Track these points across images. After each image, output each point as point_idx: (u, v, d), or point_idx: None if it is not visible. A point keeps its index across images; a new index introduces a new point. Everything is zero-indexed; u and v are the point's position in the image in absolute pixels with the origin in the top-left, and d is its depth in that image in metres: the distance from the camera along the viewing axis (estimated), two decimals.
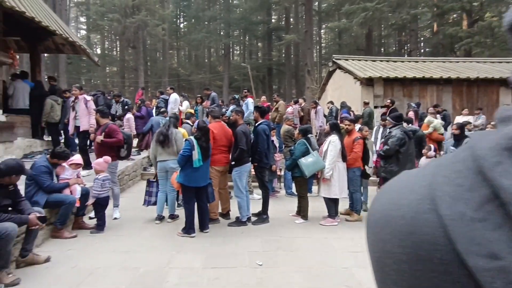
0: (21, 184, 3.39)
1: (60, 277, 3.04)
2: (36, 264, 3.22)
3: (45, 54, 15.74)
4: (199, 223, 4.36)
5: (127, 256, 3.52)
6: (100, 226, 4.25)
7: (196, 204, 4.31)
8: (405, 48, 29.75)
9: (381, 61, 13.21)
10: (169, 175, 4.69)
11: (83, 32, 37.53)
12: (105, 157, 4.45)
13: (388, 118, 5.16)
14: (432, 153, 5.51)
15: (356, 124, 5.61)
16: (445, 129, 7.57)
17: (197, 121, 4.82)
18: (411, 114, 7.65)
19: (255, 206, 5.09)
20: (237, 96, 9.54)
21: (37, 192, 3.73)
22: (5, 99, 7.01)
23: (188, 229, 4.18)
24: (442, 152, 6.74)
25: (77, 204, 4.08)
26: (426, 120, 7.13)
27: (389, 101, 8.90)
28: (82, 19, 38.72)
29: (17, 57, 7.66)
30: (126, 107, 8.73)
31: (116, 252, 3.62)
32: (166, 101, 9.41)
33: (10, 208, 3.15)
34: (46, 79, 8.51)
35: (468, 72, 11.11)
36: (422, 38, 29.41)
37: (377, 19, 19.36)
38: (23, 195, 3.40)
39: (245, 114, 8.15)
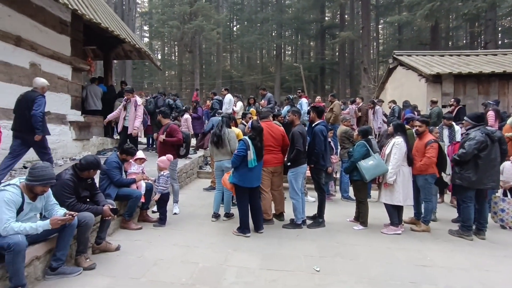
0: (96, 178, 3.73)
1: (128, 265, 3.27)
2: (108, 252, 3.51)
3: (115, 61, 17.43)
4: (254, 223, 4.36)
5: (187, 251, 3.66)
6: (162, 220, 4.50)
7: (249, 204, 4.31)
8: (479, 40, 26.57)
9: (451, 55, 11.95)
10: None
11: (146, 39, 40.80)
12: (168, 155, 4.70)
13: (466, 118, 4.57)
14: None
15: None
16: None
17: (251, 121, 4.82)
18: (490, 114, 6.73)
19: (309, 209, 4.94)
20: (291, 97, 9.42)
21: (109, 186, 4.08)
22: (82, 102, 7.87)
23: (243, 229, 4.20)
24: None
25: (143, 199, 4.38)
26: (509, 121, 6.21)
27: (452, 100, 7.98)
28: (146, 28, 42.16)
29: (94, 64, 8.55)
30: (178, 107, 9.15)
31: (177, 246, 3.79)
32: (220, 102, 9.70)
33: (88, 200, 3.48)
34: (114, 83, 9.40)
35: None
36: (500, 28, 25.94)
37: (445, 10, 17.54)
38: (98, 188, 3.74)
39: None
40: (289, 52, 41.63)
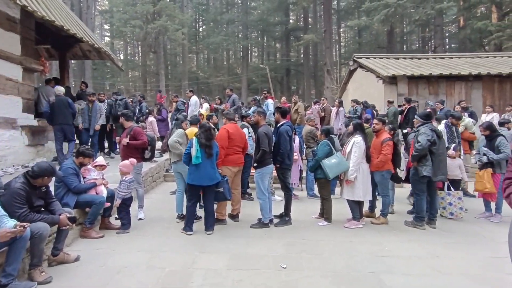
0: (51, 185, 3.52)
1: (89, 275, 3.12)
2: (67, 263, 3.32)
3: (72, 61, 16.46)
4: (204, 223, 4.39)
5: (153, 256, 3.57)
6: (125, 225, 4.36)
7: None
8: (429, 44, 28.69)
9: (405, 58, 12.81)
10: (183, 176, 4.75)
11: (107, 39, 38.96)
12: (131, 159, 4.55)
13: (416, 116, 4.94)
14: (452, 151, 5.22)
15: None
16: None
17: (203, 121, 4.91)
18: (421, 111, 7.34)
19: (277, 208, 5.04)
20: (258, 97, 9.53)
21: (67, 194, 3.86)
22: (35, 104, 7.34)
23: (185, 227, 4.26)
24: (474, 152, 6.39)
25: (105, 205, 4.19)
26: (465, 122, 6.78)
27: (404, 100, 8.59)
28: (106, 27, 40.24)
29: (48, 64, 8.01)
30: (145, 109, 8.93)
31: (142, 252, 3.68)
32: (184, 104, 9.57)
33: (42, 209, 3.27)
34: (72, 85, 8.88)
35: (500, 67, 10.53)
36: (447, 34, 28.24)
37: (399, 15, 18.78)
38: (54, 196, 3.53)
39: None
40: (256, 54, 41.96)
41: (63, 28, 6.63)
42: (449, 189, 5.05)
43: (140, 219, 4.83)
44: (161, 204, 5.81)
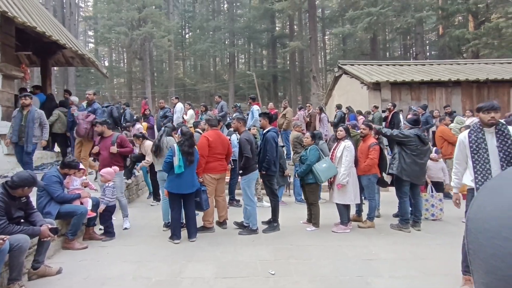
0: (32, 195, 3.41)
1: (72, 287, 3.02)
2: (48, 276, 3.20)
3: (55, 68, 16.10)
4: (187, 231, 4.35)
5: (139, 266, 3.49)
6: (110, 233, 4.30)
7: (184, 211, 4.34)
8: (411, 51, 29.59)
9: (387, 65, 13.15)
10: None
11: (91, 45, 38.39)
12: (114, 167, 4.52)
13: (405, 122, 5.07)
14: (434, 155, 5.39)
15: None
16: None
17: (180, 127, 4.83)
18: (410, 117, 7.59)
19: (265, 214, 5.04)
20: (238, 104, 9.60)
21: (49, 203, 3.75)
22: None
23: (172, 235, 4.20)
24: None
25: (90, 215, 4.09)
26: (452, 125, 7.04)
27: (390, 104, 8.81)
28: (90, 33, 39.69)
29: (28, 71, 7.81)
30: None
31: (128, 262, 3.59)
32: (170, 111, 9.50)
33: (22, 220, 3.16)
34: (55, 92, 8.67)
35: (477, 73, 10.96)
36: (427, 41, 29.24)
37: (381, 23, 19.37)
38: (35, 206, 3.42)
39: (250, 121, 8.18)
40: (242, 60, 42.22)
41: (45, 34, 6.51)
42: (432, 191, 5.19)
43: (125, 228, 4.73)
44: (147, 212, 5.71)
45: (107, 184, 4.33)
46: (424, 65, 13.12)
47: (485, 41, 17.79)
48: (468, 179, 3.03)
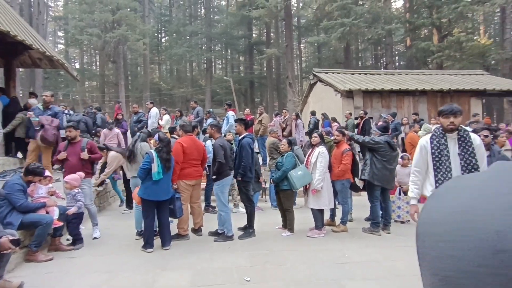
0: None
1: None
2: None
3: (21, 69, 15.26)
4: (160, 239, 4.26)
5: (110, 277, 3.36)
6: (79, 240, 4.15)
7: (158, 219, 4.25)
8: (382, 61, 30.98)
9: (360, 74, 13.67)
10: None
11: (61, 47, 36.80)
12: (79, 173, 4.36)
13: (375, 129, 5.28)
14: (400, 160, 5.68)
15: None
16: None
17: (157, 133, 4.77)
18: (380, 124, 7.96)
19: (242, 220, 5.03)
20: (211, 110, 9.61)
21: (11, 213, 3.53)
22: None
23: (145, 244, 4.09)
24: None
25: (56, 224, 3.88)
26: (421, 132, 7.40)
27: (362, 112, 9.18)
28: (60, 34, 38.07)
29: None
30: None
31: (98, 273, 3.44)
32: (144, 115, 9.31)
33: None
34: (20, 94, 8.21)
35: (441, 84, 11.67)
36: (396, 52, 30.77)
37: (354, 34, 20.17)
38: None
39: (225, 127, 8.18)
40: (219, 66, 42.19)
41: (10, 34, 6.17)
42: (400, 193, 5.45)
43: (95, 238, 4.53)
44: (119, 220, 5.51)
45: (74, 191, 4.15)
46: (393, 74, 13.78)
47: (448, 53, 19.00)
48: (428, 191, 2.84)
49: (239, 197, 6.32)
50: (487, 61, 19.31)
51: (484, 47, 20.00)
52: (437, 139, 2.76)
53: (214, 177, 4.62)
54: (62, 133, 5.69)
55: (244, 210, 5.87)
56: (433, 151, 2.76)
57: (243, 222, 4.95)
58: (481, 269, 0.26)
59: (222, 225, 4.62)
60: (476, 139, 2.71)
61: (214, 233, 4.71)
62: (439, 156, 2.73)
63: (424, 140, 2.88)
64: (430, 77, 13.14)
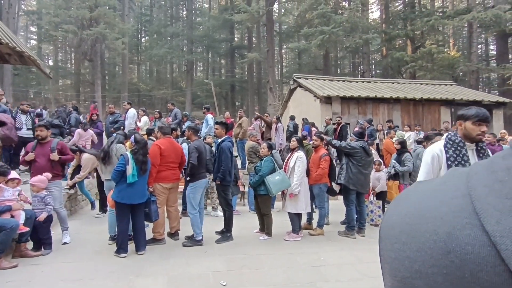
0: None
1: None
2: None
3: None
4: (135, 243, 4.16)
5: (80, 285, 3.22)
6: (49, 244, 3.99)
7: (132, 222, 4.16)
8: (359, 69, 31.96)
9: (338, 80, 14.04)
10: None
11: (34, 42, 35.17)
12: (46, 174, 4.16)
13: (352, 134, 5.46)
14: (382, 166, 5.91)
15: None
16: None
17: (133, 135, 4.67)
18: (356, 130, 8.22)
19: (220, 224, 4.99)
20: (188, 113, 9.59)
21: None
22: None
23: (118, 249, 3.98)
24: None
25: (22, 230, 3.68)
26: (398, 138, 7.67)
27: (338, 118, 9.44)
28: (33, 29, 36.40)
29: None
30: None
31: (67, 281, 3.29)
32: (121, 116, 9.08)
33: None
34: None
35: (414, 92, 12.21)
36: (373, 61, 31.88)
37: (333, 41, 20.68)
38: None
39: (205, 130, 8.12)
40: (201, 68, 41.86)
41: None
42: (372, 197, 5.66)
43: (65, 243, 4.34)
44: (92, 225, 5.31)
45: (41, 193, 3.97)
46: (370, 82, 14.25)
47: (420, 64, 19.92)
48: None
49: (218, 200, 6.29)
50: (455, 72, 20.42)
51: (453, 59, 21.17)
52: (453, 149, 2.32)
53: (188, 178, 4.57)
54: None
55: (221, 214, 5.85)
56: (449, 162, 2.31)
57: (222, 225, 4.91)
58: (433, 269, 0.27)
59: (198, 228, 4.56)
60: (489, 150, 2.42)
61: (191, 237, 4.64)
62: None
63: (438, 149, 2.40)
64: (404, 86, 13.71)
